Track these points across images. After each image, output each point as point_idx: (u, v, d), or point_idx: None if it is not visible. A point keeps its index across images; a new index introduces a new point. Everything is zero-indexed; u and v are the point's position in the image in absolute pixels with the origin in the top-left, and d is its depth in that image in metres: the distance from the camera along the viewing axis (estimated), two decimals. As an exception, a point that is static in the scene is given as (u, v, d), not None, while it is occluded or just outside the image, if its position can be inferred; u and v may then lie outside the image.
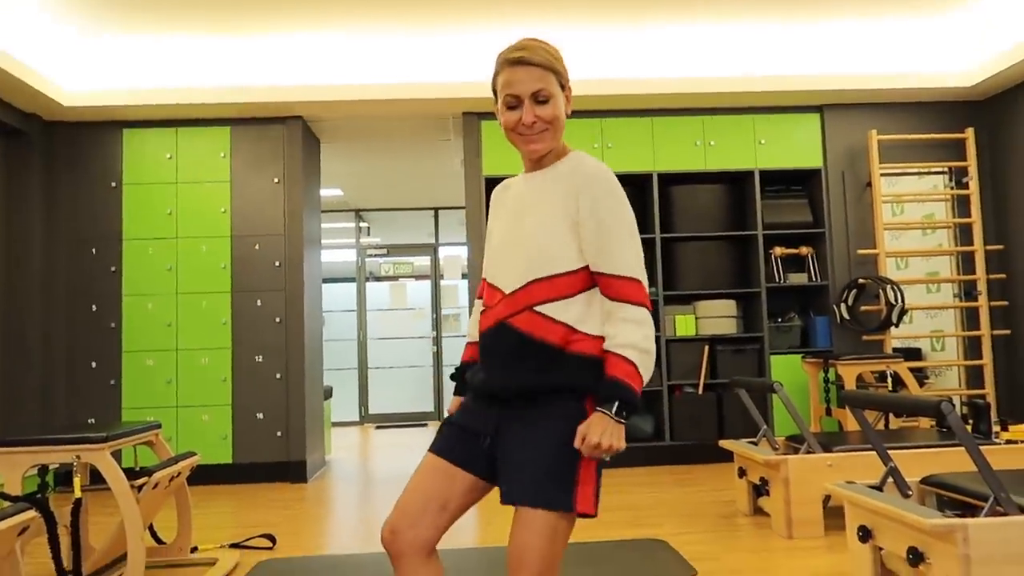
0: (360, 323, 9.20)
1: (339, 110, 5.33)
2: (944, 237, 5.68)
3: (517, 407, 1.55)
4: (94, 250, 5.28)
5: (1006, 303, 5.44)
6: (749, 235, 5.57)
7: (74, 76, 5.03)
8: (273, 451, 5.20)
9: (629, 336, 1.50)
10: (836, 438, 3.73)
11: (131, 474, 2.80)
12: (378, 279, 9.46)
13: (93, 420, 5.16)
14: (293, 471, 5.19)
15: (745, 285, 5.64)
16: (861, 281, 5.28)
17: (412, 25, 4.99)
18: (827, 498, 3.48)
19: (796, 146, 5.58)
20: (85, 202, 5.31)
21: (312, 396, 5.50)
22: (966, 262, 5.56)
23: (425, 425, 8.65)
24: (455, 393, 1.79)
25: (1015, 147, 5.37)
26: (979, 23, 5.17)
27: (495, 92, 1.62)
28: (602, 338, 1.55)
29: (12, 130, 5.05)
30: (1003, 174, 5.50)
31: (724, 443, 4.01)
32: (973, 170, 5.49)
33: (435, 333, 9.22)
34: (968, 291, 5.55)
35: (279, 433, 5.21)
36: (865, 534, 2.59)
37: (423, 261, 9.46)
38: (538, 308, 1.55)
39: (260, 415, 5.21)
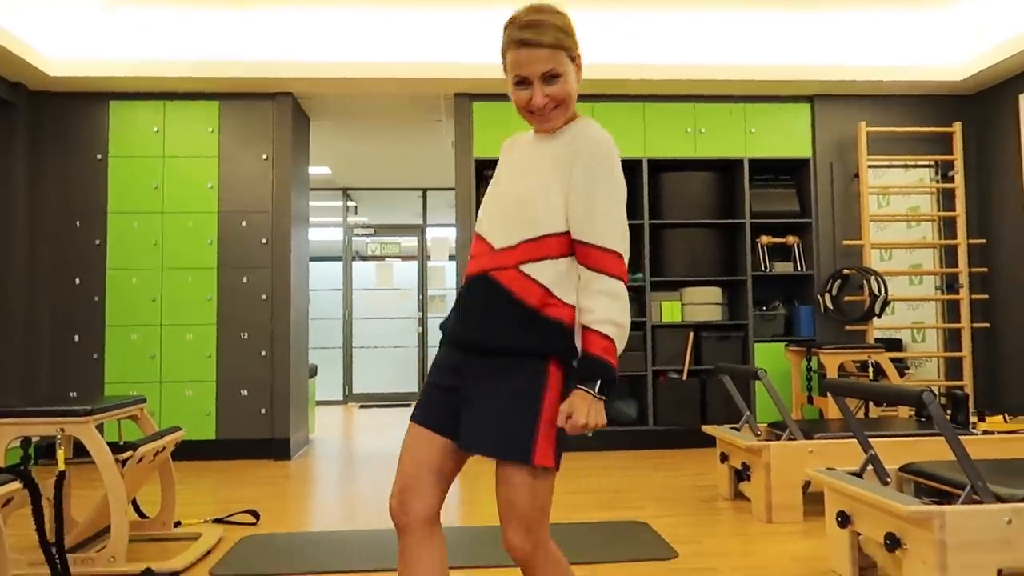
0: (346, 302, 9.18)
1: (330, 87, 5.29)
2: (928, 230, 5.74)
3: (484, 361, 1.56)
4: (78, 223, 5.23)
5: (986, 296, 5.51)
6: (737, 223, 5.60)
7: (60, 46, 4.96)
8: (257, 428, 5.20)
9: (607, 311, 1.50)
10: (817, 425, 3.78)
11: (115, 448, 2.80)
12: (364, 259, 9.43)
13: (75, 394, 5.13)
14: (277, 448, 5.20)
15: (731, 273, 5.67)
16: (846, 271, 5.33)
17: (406, 3, 4.95)
18: (807, 484, 3.53)
19: (786, 136, 5.60)
20: (70, 174, 5.25)
21: (297, 374, 5.49)
22: (949, 255, 5.62)
23: (408, 405, 8.66)
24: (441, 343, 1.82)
25: (1001, 143, 5.42)
26: (970, 17, 5.19)
27: (504, 62, 1.59)
28: (574, 307, 1.56)
29: (-4, 98, 4.98)
30: (988, 169, 5.56)
31: (707, 428, 4.05)
32: (959, 164, 5.54)
33: (421, 314, 9.21)
34: (950, 284, 5.62)
35: (263, 410, 5.20)
36: (844, 519, 2.63)
37: (410, 242, 9.44)
38: (523, 267, 1.55)
39: (244, 392, 5.20)
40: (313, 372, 6.34)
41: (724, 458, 3.88)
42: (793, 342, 5.41)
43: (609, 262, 1.52)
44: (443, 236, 9.26)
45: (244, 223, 5.30)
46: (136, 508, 3.32)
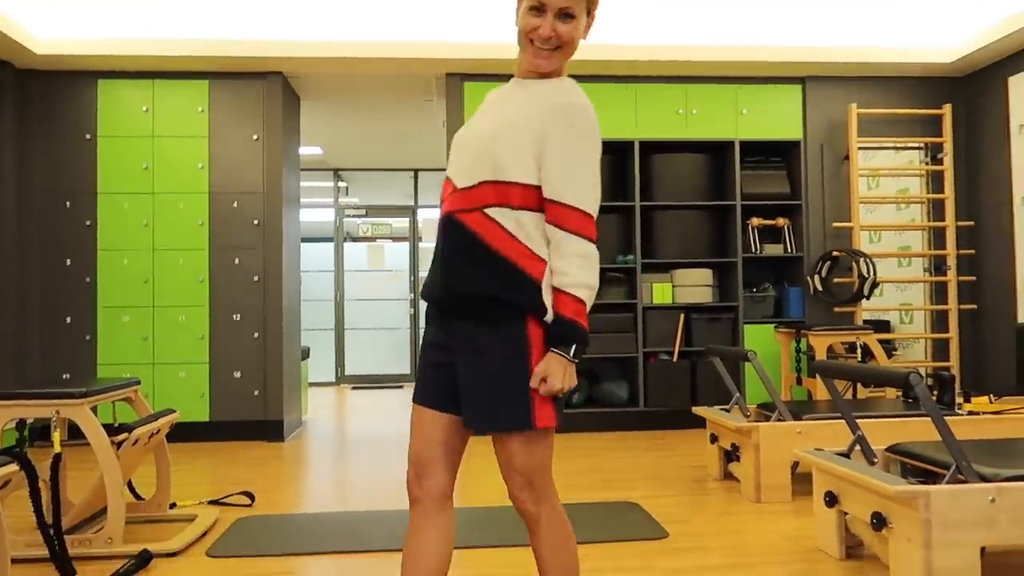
0: (337, 284, 9.17)
1: (320, 67, 5.25)
2: (917, 212, 5.78)
3: (466, 328, 1.56)
4: (68, 203, 5.19)
5: (974, 278, 5.57)
6: (727, 205, 5.62)
7: (48, 24, 4.89)
8: (250, 410, 5.22)
9: (579, 274, 1.51)
10: (806, 406, 3.83)
11: (111, 430, 2.81)
12: (355, 240, 9.41)
13: (68, 376, 5.13)
14: (270, 430, 5.22)
15: (722, 255, 5.70)
16: (835, 253, 5.37)
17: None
18: (795, 464, 3.59)
19: (777, 117, 5.61)
20: (59, 154, 5.21)
21: (289, 356, 5.50)
22: (937, 237, 5.67)
23: (401, 387, 8.70)
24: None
25: (990, 125, 5.45)
26: (960, 0, 5.20)
27: None
28: (544, 262, 1.55)
29: (-18, 78, 4.92)
30: (977, 151, 5.59)
31: (697, 410, 4.10)
32: (948, 146, 5.57)
33: (412, 295, 9.22)
34: (938, 266, 5.67)
35: (256, 392, 5.22)
36: (831, 499, 2.68)
37: (402, 223, 9.42)
38: (489, 211, 1.54)
39: (237, 374, 5.21)
40: (305, 354, 6.35)
41: (714, 439, 3.94)
42: (783, 324, 5.46)
43: (583, 224, 1.52)
44: (434, 217, 9.24)
45: (235, 204, 5.28)
46: (132, 490, 3.34)
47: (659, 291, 5.49)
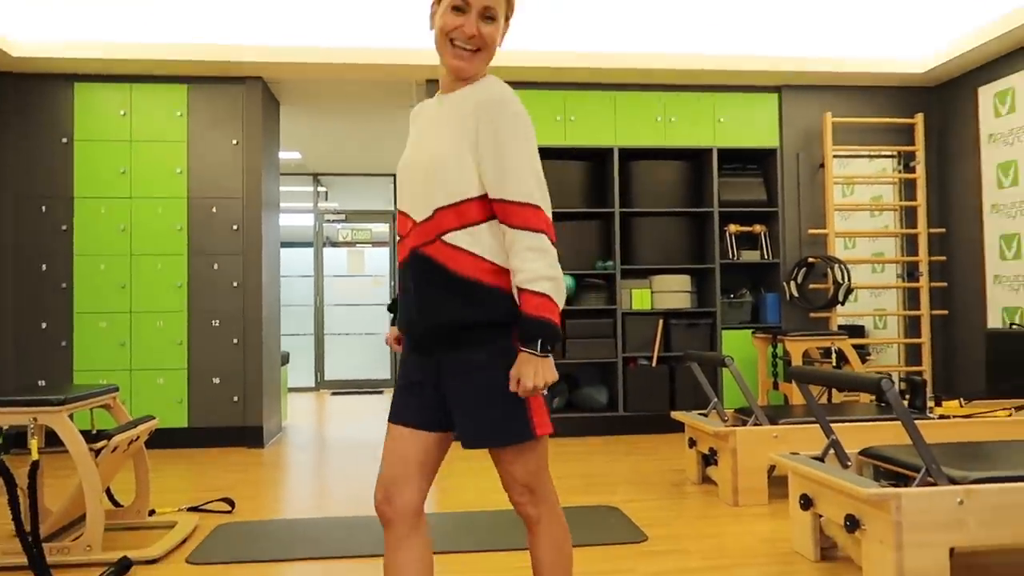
0: (317, 289, 9.14)
1: (300, 72, 5.25)
2: (891, 219, 5.89)
3: (450, 351, 1.57)
4: (43, 208, 5.14)
5: (945, 284, 5.68)
6: (705, 212, 5.69)
7: (24, 26, 4.85)
8: (229, 416, 5.19)
9: (535, 268, 1.48)
10: (782, 411, 3.89)
11: (89, 437, 2.80)
12: (335, 245, 9.39)
13: (43, 382, 5.07)
14: (250, 436, 5.19)
15: (700, 261, 5.77)
16: (811, 260, 5.46)
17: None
18: (772, 468, 3.64)
19: (754, 125, 5.70)
20: (34, 157, 5.16)
21: (269, 361, 5.48)
22: (910, 244, 5.78)
23: (380, 392, 8.68)
24: (392, 323, 1.82)
25: (961, 134, 5.57)
26: (932, 12, 5.31)
27: None
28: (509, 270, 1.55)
29: (-44, 81, 4.86)
30: (948, 160, 5.71)
31: (676, 414, 4.14)
32: (921, 155, 5.68)
33: (392, 300, 9.20)
34: (910, 272, 5.78)
35: (235, 398, 5.19)
36: (806, 502, 2.74)
37: (381, 228, 9.41)
38: (447, 238, 1.54)
39: (216, 379, 5.18)
40: (285, 359, 6.33)
41: (692, 443, 3.98)
42: (760, 329, 5.53)
43: (530, 216, 1.49)
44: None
45: (214, 209, 5.25)
46: (110, 497, 3.31)
47: (638, 297, 5.54)
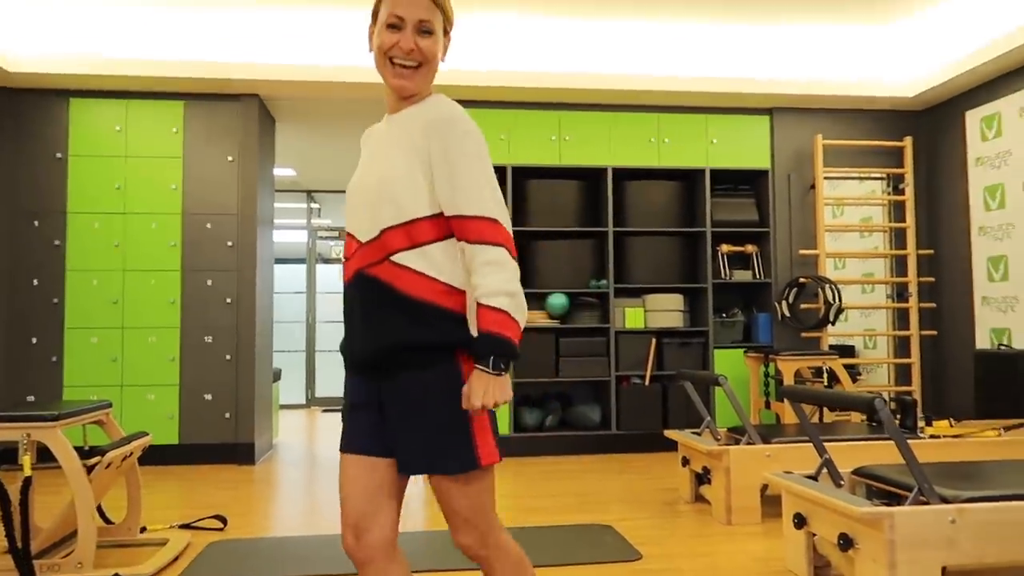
0: (309, 305, 9.13)
1: (296, 90, 5.29)
2: (880, 240, 5.96)
3: (393, 372, 1.49)
4: (36, 222, 5.13)
5: (934, 305, 5.73)
6: (698, 232, 5.73)
7: (20, 41, 4.87)
8: (221, 432, 5.16)
9: (493, 283, 1.42)
10: (775, 430, 3.91)
11: (83, 453, 2.78)
12: (327, 262, 9.39)
13: (33, 397, 5.04)
14: (241, 453, 5.17)
15: (692, 280, 5.81)
16: (802, 280, 5.51)
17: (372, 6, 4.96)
18: (765, 487, 3.65)
19: (746, 147, 5.76)
20: (28, 172, 5.16)
21: (261, 378, 5.47)
22: (899, 265, 5.84)
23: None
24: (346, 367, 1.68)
25: (949, 157, 5.65)
26: (921, 37, 5.41)
27: (375, 14, 1.56)
28: (464, 291, 1.50)
29: (-48, 95, 4.86)
30: (936, 182, 5.79)
31: (669, 433, 4.15)
32: (909, 177, 5.76)
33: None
34: (900, 292, 5.83)
35: (227, 415, 5.17)
36: (800, 521, 2.75)
37: (374, 245, 9.41)
38: (395, 258, 1.48)
39: (208, 396, 5.16)
40: (277, 376, 6.31)
41: (685, 462, 3.99)
42: (752, 348, 5.56)
43: (486, 230, 1.45)
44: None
45: (209, 225, 5.26)
46: (102, 514, 3.29)
47: (631, 315, 5.57)
